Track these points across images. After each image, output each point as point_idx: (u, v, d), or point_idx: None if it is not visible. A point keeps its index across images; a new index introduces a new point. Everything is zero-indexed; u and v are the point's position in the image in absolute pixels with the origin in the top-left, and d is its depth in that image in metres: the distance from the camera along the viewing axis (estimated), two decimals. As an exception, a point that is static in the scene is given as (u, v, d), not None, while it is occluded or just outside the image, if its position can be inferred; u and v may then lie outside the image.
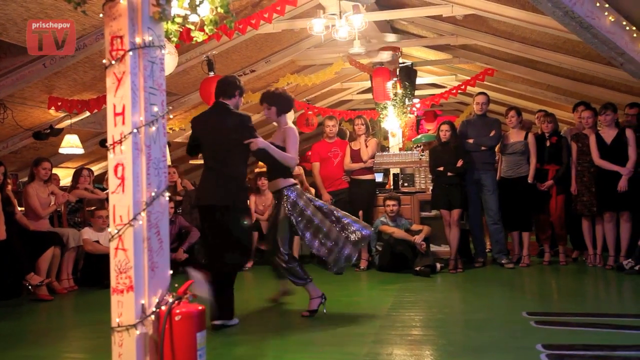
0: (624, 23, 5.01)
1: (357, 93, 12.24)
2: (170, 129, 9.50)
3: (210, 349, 3.58)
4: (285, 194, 4.39)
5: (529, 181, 6.46)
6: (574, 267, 6.48)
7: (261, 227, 7.14)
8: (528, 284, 5.92)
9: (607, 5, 4.83)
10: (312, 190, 7.51)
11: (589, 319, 4.16)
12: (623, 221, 6.04)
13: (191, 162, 10.80)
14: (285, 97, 4.59)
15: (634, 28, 5.12)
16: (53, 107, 6.87)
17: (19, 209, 6.24)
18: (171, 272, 2.54)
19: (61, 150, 7.70)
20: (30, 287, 5.35)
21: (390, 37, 8.17)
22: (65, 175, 9.12)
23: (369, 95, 10.45)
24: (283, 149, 4.39)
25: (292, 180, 4.47)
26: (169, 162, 9.10)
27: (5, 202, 5.56)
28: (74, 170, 7.57)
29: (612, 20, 4.90)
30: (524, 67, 8.44)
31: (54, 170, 7.96)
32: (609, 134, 6.11)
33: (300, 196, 4.44)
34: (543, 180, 6.50)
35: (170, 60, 5.69)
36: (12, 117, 6.78)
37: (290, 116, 4.95)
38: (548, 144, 6.56)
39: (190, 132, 4.46)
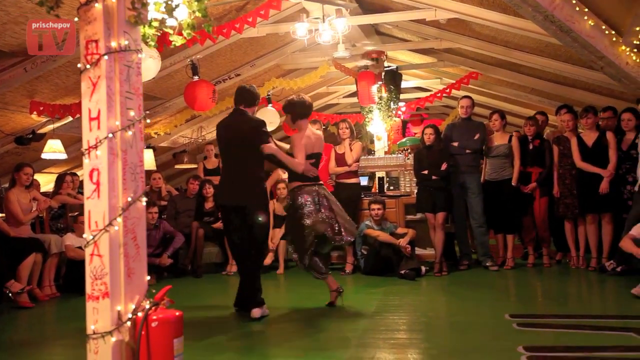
0: (604, 27, 5.07)
1: (344, 97, 12.25)
2: (155, 133, 9.42)
3: (190, 356, 3.57)
4: (292, 194, 4.75)
5: (512, 184, 6.50)
6: (558, 269, 6.52)
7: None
8: (512, 286, 5.95)
9: (586, 10, 4.88)
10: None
11: (571, 320, 4.20)
12: (605, 223, 6.09)
13: (177, 166, 10.72)
14: (298, 103, 4.81)
15: (613, 32, 5.18)
16: (35, 112, 6.77)
17: (0, 215, 6.17)
18: (149, 277, 2.52)
19: (44, 156, 7.60)
20: (10, 294, 5.28)
21: (375, 41, 8.19)
22: (48, 181, 9.03)
23: (355, 99, 10.45)
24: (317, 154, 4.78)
25: (298, 183, 4.74)
26: (154, 168, 9.07)
27: (-15, 208, 5.49)
28: (57, 175, 7.49)
29: (592, 24, 4.95)
30: (508, 71, 8.50)
31: (36, 176, 7.89)
32: (590, 137, 6.16)
33: (306, 194, 4.68)
34: (527, 182, 6.54)
35: (153, 64, 5.66)
36: (-8, 122, 6.69)
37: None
38: (531, 147, 6.60)
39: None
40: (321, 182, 4.90)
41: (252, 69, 8.40)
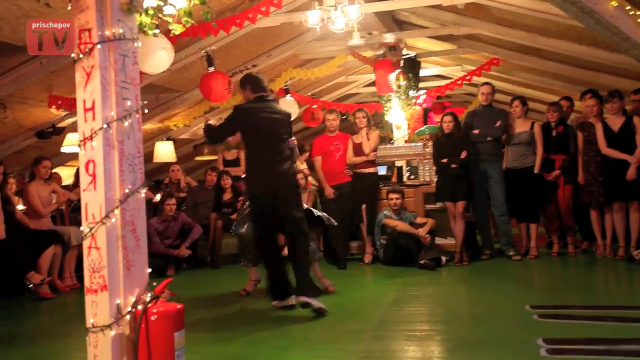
0: (628, 7, 4.84)
1: (363, 86, 12.11)
2: (175, 125, 9.46)
3: (204, 347, 3.55)
4: None
5: (535, 172, 6.32)
6: (583, 258, 6.33)
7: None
8: (534, 276, 5.80)
9: (609, -11, 4.67)
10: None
11: (595, 311, 4.04)
12: (633, 211, 5.86)
13: (197, 158, 10.75)
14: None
15: (639, 13, 4.95)
16: (54, 106, 6.85)
17: (21, 208, 6.25)
18: (149, 270, 2.47)
19: (63, 149, 7.69)
20: (31, 285, 5.35)
21: (392, 29, 8.04)
22: (70, 174, 9.13)
23: (375, 88, 10.33)
24: None
25: None
26: (174, 159, 9.10)
27: (5, 201, 5.56)
28: (77, 168, 7.56)
29: (615, 4, 4.73)
30: (530, 56, 8.26)
31: (57, 170, 7.99)
32: (615, 122, 5.94)
33: None
34: (550, 170, 6.35)
35: (166, 56, 5.61)
36: (12, 117, 6.77)
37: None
38: (554, 133, 6.40)
39: (226, 121, 4.59)
40: None
41: (269, 60, 8.33)
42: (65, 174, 8.72)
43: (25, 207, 6.18)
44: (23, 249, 5.40)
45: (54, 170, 7.74)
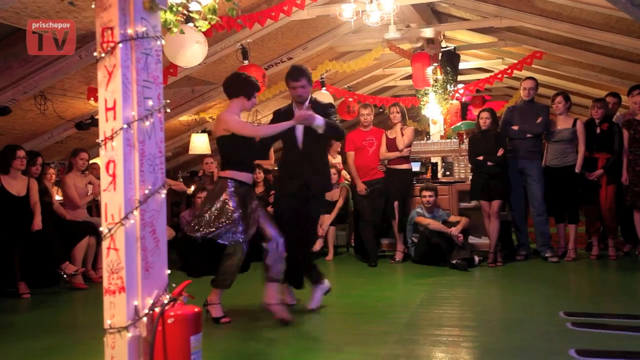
0: (681, -1, 4.57)
1: (401, 79, 11.94)
2: (210, 117, 9.53)
3: (227, 345, 3.55)
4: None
5: (576, 170, 6.08)
6: (625, 262, 6.07)
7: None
8: (571, 280, 5.59)
9: (660, -20, 4.42)
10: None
11: (633, 321, 3.85)
12: (680, 214, 5.60)
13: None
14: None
15: (692, 4, 4.67)
16: (92, 98, 6.96)
17: (58, 198, 6.39)
18: (169, 271, 2.46)
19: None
20: (65, 275, 5.46)
21: (432, 21, 7.86)
22: (108, 165, 9.31)
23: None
24: None
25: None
26: (208, 152, 9.17)
27: (43, 192, 5.69)
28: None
29: (667, -4, 4.48)
30: (575, 49, 7.96)
31: (96, 160, 8.15)
32: (664, 120, 5.66)
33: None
34: (592, 169, 6.11)
35: (200, 49, 5.62)
36: (53, 109, 6.92)
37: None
38: (598, 130, 6.14)
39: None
40: None
41: (305, 52, 8.28)
42: (104, 165, 8.88)
43: (62, 198, 6.32)
44: (58, 239, 5.51)
45: (93, 161, 7.91)
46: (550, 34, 7.65)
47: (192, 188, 7.85)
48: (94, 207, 6.79)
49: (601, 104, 6.24)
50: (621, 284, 5.34)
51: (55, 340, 3.81)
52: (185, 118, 9.32)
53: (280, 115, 4.46)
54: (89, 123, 7.64)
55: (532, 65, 8.58)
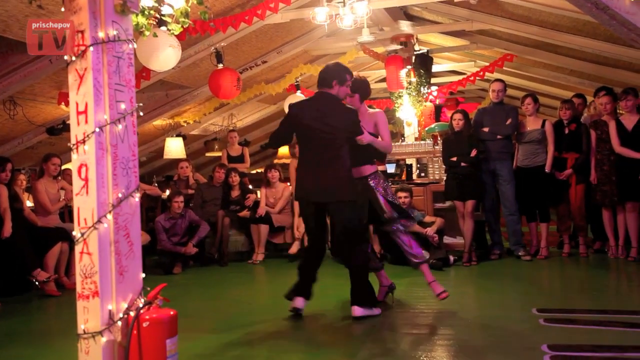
0: (644, 3, 4.71)
1: (375, 82, 12.00)
2: (185, 121, 9.47)
3: (203, 347, 3.53)
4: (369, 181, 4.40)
5: (546, 170, 6.21)
6: (595, 259, 6.21)
7: (272, 220, 7.07)
8: (544, 277, 5.70)
9: (624, -16, 4.54)
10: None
11: (604, 316, 3.95)
12: (646, 211, 5.76)
13: (207, 154, 10.76)
14: (366, 82, 4.61)
15: (655, 8, 4.81)
16: (63, 103, 6.87)
17: (30, 204, 6.28)
18: (143, 275, 2.45)
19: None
20: (37, 283, 5.37)
21: (404, 24, 7.93)
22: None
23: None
24: (374, 135, 4.43)
25: (376, 167, 4.51)
26: (183, 156, 9.11)
27: (13, 198, 5.59)
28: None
29: (632, 0, 4.61)
30: (545, 52, 8.10)
31: (67, 165, 8.03)
32: (630, 120, 5.82)
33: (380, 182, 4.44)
34: (562, 169, 6.24)
35: (173, 53, 5.56)
36: (23, 114, 6.81)
37: None
38: (567, 131, 6.28)
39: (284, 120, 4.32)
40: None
41: (279, 56, 8.27)
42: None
43: (33, 204, 6.21)
44: (30, 246, 5.42)
45: (66, 166, 7.79)
46: (520, 37, 7.79)
47: (167, 192, 7.80)
48: (67, 213, 6.70)
49: (569, 105, 6.39)
50: (591, 281, 5.47)
51: (28, 349, 3.75)
52: (159, 122, 9.25)
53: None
54: (60, 128, 7.54)
55: (504, 68, 8.71)
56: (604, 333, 3.57)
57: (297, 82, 8.94)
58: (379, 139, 4.44)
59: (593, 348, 3.27)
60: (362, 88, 4.51)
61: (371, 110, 4.59)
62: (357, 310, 4.06)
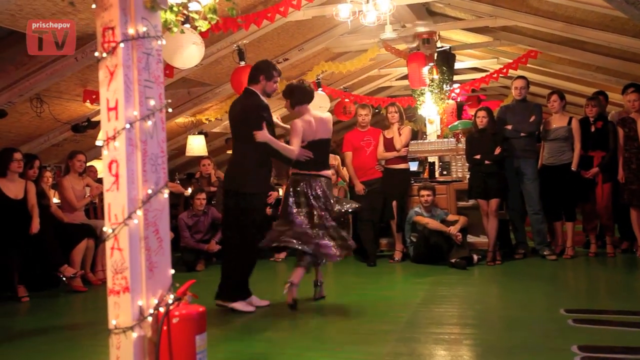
0: (676, -3, 4.60)
1: (396, 79, 11.96)
2: (207, 119, 9.52)
3: (231, 344, 3.54)
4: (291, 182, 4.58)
5: (572, 168, 6.11)
6: (622, 259, 6.11)
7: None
8: (570, 277, 5.62)
9: (655, -22, 4.44)
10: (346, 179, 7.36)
11: (633, 317, 3.86)
12: (676, 211, 5.63)
13: (228, 152, 10.79)
14: (297, 88, 4.60)
15: (687, 2, 4.70)
16: (88, 100, 6.95)
17: (56, 201, 6.36)
18: (172, 271, 2.45)
19: (98, 143, 7.78)
20: (64, 278, 5.44)
21: (427, 21, 7.88)
22: (105, 168, 9.27)
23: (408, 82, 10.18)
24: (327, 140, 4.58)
25: (295, 171, 4.57)
26: (205, 153, 9.15)
27: (40, 195, 5.66)
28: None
29: (662, -6, 4.51)
30: (570, 48, 7.99)
31: (93, 163, 8.13)
32: (659, 118, 5.69)
33: (294, 185, 4.48)
34: (588, 167, 6.13)
35: (196, 51, 5.61)
36: (49, 111, 6.90)
37: (315, 106, 4.88)
38: (593, 129, 6.17)
39: None
40: (322, 173, 4.54)
41: (300, 53, 8.28)
42: (101, 167, 8.85)
43: (59, 201, 6.29)
44: (56, 242, 5.49)
45: (90, 163, 7.88)
46: (545, 33, 7.69)
47: (189, 190, 7.84)
48: (92, 210, 6.77)
49: (595, 102, 6.27)
50: (620, 281, 5.37)
51: (55, 344, 3.80)
52: (181, 120, 9.31)
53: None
54: (85, 125, 7.62)
55: (527, 65, 8.61)
56: (635, 335, 3.49)
57: (318, 79, 8.92)
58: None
59: (625, 350, 3.20)
60: (293, 94, 4.58)
61: (300, 118, 4.53)
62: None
